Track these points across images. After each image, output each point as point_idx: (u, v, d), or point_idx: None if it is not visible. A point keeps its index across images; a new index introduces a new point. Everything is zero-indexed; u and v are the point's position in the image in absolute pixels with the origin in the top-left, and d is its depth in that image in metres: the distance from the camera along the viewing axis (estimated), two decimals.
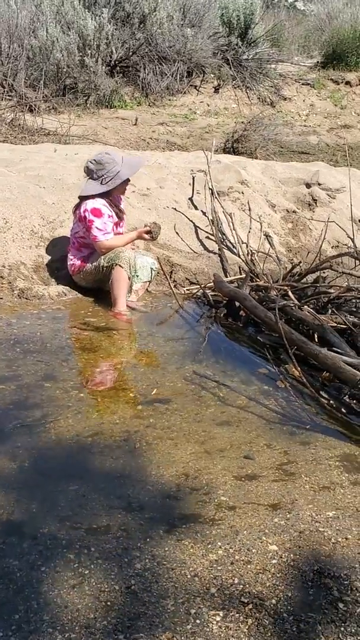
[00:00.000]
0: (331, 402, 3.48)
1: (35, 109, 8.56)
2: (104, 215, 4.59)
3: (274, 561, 2.23)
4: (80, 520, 2.42)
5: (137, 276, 4.77)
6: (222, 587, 2.12)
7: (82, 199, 4.67)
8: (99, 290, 4.74)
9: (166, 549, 2.28)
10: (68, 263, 4.75)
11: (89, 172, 4.66)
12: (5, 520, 2.39)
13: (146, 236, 4.70)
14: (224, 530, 2.39)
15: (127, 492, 2.60)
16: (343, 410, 3.41)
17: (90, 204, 4.58)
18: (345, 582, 2.15)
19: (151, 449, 2.91)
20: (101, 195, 4.62)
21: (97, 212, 4.57)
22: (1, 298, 4.50)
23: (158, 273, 4.98)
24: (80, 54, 9.65)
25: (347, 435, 3.15)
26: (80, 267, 4.69)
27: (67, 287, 4.79)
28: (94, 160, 4.62)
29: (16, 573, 2.13)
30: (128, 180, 4.76)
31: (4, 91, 8.79)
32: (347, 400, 3.48)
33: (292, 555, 2.26)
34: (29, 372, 3.58)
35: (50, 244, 5.00)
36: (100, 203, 4.60)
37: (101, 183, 4.61)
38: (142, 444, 2.95)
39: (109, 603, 2.03)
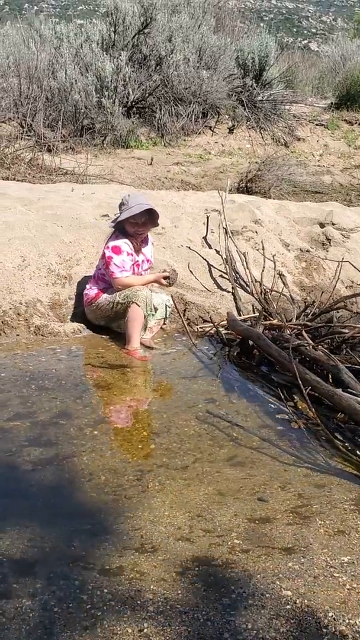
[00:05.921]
0: (346, 444, 3.46)
1: (53, 149, 8.73)
2: (123, 253, 4.66)
3: (287, 607, 2.21)
4: (92, 561, 2.41)
5: (153, 314, 4.80)
6: (235, 632, 2.09)
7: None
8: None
9: (179, 592, 2.26)
10: (84, 292, 4.84)
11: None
12: (18, 559, 2.39)
13: (163, 281, 4.78)
14: (237, 573, 2.36)
15: (140, 533, 2.59)
16: (358, 452, 3.38)
17: (112, 242, 4.71)
18: None
19: (164, 489, 2.91)
20: (124, 235, 4.71)
21: (116, 250, 4.67)
22: (17, 335, 4.55)
23: (172, 311, 5.02)
24: (98, 95, 9.87)
25: None
26: (94, 298, 4.75)
27: (82, 325, 4.85)
28: (123, 197, 4.79)
29: (29, 614, 2.12)
30: (137, 224, 4.72)
31: (23, 131, 8.98)
32: None
33: (306, 601, 2.24)
34: (43, 409, 3.60)
35: (66, 281, 5.06)
36: (121, 241, 4.70)
37: (113, 220, 4.82)
38: (154, 483, 2.95)
39: None
